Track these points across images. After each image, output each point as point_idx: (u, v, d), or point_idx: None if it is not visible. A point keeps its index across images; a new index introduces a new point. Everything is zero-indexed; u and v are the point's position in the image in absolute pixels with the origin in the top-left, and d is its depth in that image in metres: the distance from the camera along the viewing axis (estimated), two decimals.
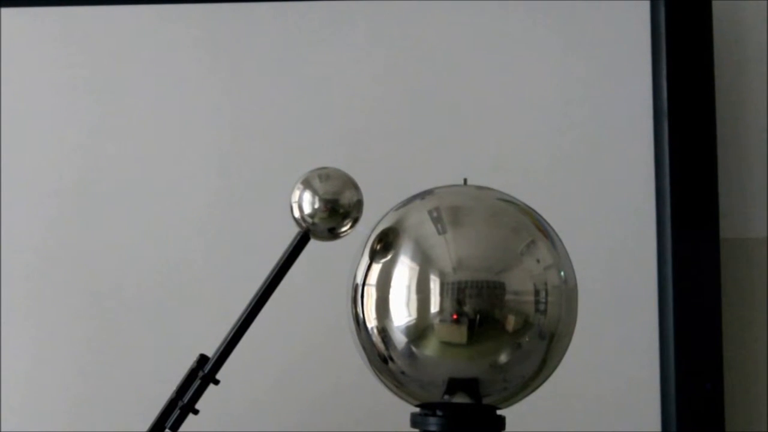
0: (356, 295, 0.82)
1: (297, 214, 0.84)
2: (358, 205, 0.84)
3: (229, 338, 0.85)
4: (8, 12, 1.26)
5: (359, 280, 0.82)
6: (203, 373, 0.85)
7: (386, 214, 0.84)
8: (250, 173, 1.22)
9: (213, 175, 1.22)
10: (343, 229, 0.84)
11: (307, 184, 0.84)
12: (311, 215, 0.83)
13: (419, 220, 0.82)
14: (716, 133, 1.18)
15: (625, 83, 1.22)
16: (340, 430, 1.17)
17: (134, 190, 1.23)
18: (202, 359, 0.86)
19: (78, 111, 1.24)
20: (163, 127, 1.24)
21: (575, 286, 0.82)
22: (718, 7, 1.22)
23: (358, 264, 0.82)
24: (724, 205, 1.20)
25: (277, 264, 0.85)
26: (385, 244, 0.81)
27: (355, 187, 0.84)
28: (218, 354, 0.85)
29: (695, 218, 1.17)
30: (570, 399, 1.16)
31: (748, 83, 1.24)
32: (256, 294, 0.85)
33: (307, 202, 0.83)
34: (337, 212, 0.83)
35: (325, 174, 0.84)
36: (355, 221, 0.84)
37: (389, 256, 0.80)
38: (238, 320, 0.85)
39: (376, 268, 0.80)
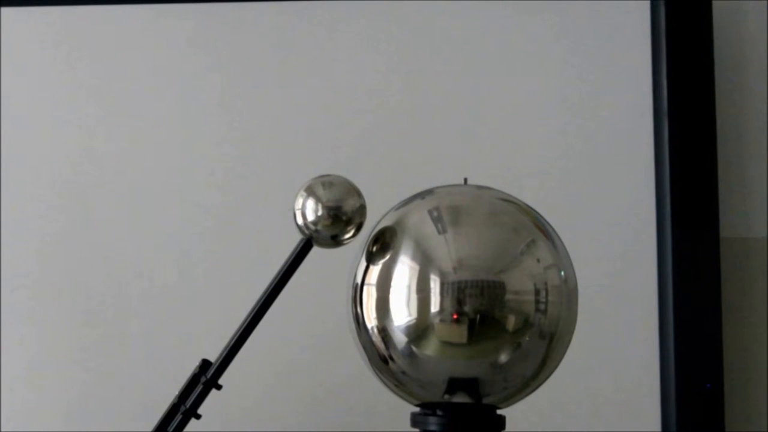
0: (356, 295, 0.82)
1: (300, 221, 0.84)
2: (361, 210, 0.84)
3: (231, 344, 0.85)
4: (8, 12, 1.26)
5: (359, 279, 0.82)
6: (206, 379, 0.85)
7: (386, 213, 0.84)
8: (251, 174, 1.22)
9: (214, 177, 1.22)
10: (346, 236, 0.84)
11: (310, 191, 0.83)
12: (314, 222, 0.83)
13: (419, 220, 0.81)
14: (716, 133, 1.18)
15: (625, 83, 1.22)
16: (340, 430, 1.17)
17: (135, 191, 1.23)
18: (205, 364, 0.86)
19: (78, 111, 1.24)
20: (163, 128, 1.24)
21: (575, 285, 0.82)
22: (718, 7, 1.22)
23: (359, 264, 0.82)
24: (724, 205, 1.20)
25: (279, 271, 0.85)
26: (385, 243, 0.81)
27: (358, 194, 0.84)
28: (221, 359, 0.85)
29: (695, 218, 1.17)
30: (570, 399, 1.16)
31: (748, 83, 1.24)
32: (259, 301, 0.85)
33: (310, 210, 0.83)
34: (340, 219, 0.83)
35: (328, 181, 0.84)
36: (359, 228, 0.84)
37: (389, 256, 0.80)
38: (241, 326, 0.85)
39: (376, 267, 0.80)
